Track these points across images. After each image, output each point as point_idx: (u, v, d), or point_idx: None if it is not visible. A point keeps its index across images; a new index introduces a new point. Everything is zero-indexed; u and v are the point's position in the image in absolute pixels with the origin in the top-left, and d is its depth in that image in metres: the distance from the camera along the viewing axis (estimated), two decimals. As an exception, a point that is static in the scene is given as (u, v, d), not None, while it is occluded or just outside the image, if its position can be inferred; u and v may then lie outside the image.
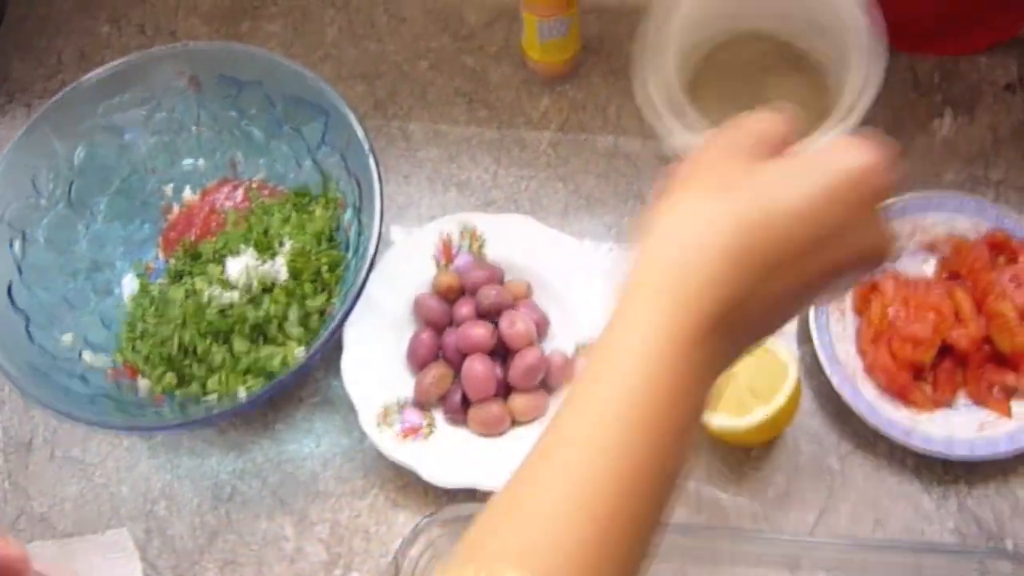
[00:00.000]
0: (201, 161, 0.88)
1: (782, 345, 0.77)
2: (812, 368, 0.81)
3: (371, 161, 0.76)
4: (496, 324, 0.80)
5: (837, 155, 0.44)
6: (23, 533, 0.81)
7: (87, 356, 0.81)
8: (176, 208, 0.89)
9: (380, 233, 0.75)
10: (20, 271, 0.80)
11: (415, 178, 0.91)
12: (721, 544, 0.74)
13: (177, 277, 0.84)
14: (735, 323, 0.43)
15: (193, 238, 0.86)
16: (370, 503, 0.80)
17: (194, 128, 0.87)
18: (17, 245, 0.80)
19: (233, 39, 0.98)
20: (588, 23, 0.93)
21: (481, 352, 0.80)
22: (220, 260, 0.82)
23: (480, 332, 0.79)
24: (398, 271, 0.83)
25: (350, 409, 0.82)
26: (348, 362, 0.80)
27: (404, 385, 0.81)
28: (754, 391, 0.76)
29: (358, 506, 0.80)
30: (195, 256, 0.84)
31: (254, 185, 0.88)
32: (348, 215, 0.82)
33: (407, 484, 0.80)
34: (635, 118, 0.91)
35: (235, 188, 0.88)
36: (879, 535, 0.77)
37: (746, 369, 0.77)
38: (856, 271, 0.46)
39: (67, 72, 0.98)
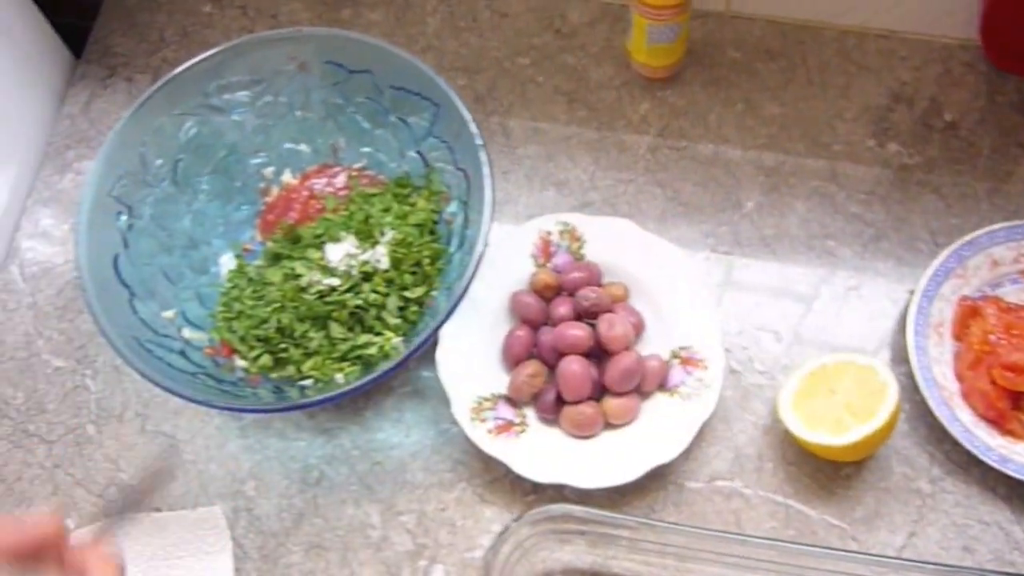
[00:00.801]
0: (303, 145, 0.89)
1: (882, 365, 0.77)
2: (907, 389, 0.80)
3: (483, 156, 0.76)
4: (594, 326, 0.80)
5: None
6: (113, 504, 0.82)
7: (186, 332, 0.81)
8: (275, 191, 0.89)
9: (489, 229, 0.74)
10: (126, 245, 0.80)
11: (513, 175, 0.91)
12: (807, 560, 0.74)
13: (275, 259, 0.85)
14: None
15: (292, 222, 0.87)
16: (457, 496, 0.80)
17: (299, 112, 0.87)
18: (124, 219, 0.81)
19: (334, 25, 0.98)
20: (692, 28, 0.93)
21: (578, 353, 0.80)
22: (320, 245, 0.82)
23: (578, 333, 0.79)
24: (496, 267, 0.83)
25: (440, 401, 0.82)
26: (443, 355, 0.81)
27: (497, 381, 0.82)
28: (852, 409, 0.76)
29: (445, 499, 0.80)
30: (295, 240, 0.85)
31: (354, 172, 0.88)
32: (452, 208, 0.82)
33: (495, 479, 0.81)
34: (735, 128, 0.91)
35: (335, 174, 0.88)
36: (968, 563, 0.77)
37: (845, 386, 0.77)
38: None
39: (169, 49, 0.99)
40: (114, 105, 0.97)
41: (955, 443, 0.78)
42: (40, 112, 0.97)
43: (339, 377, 0.79)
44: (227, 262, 0.87)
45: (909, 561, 0.73)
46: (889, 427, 0.76)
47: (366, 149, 0.88)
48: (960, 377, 0.80)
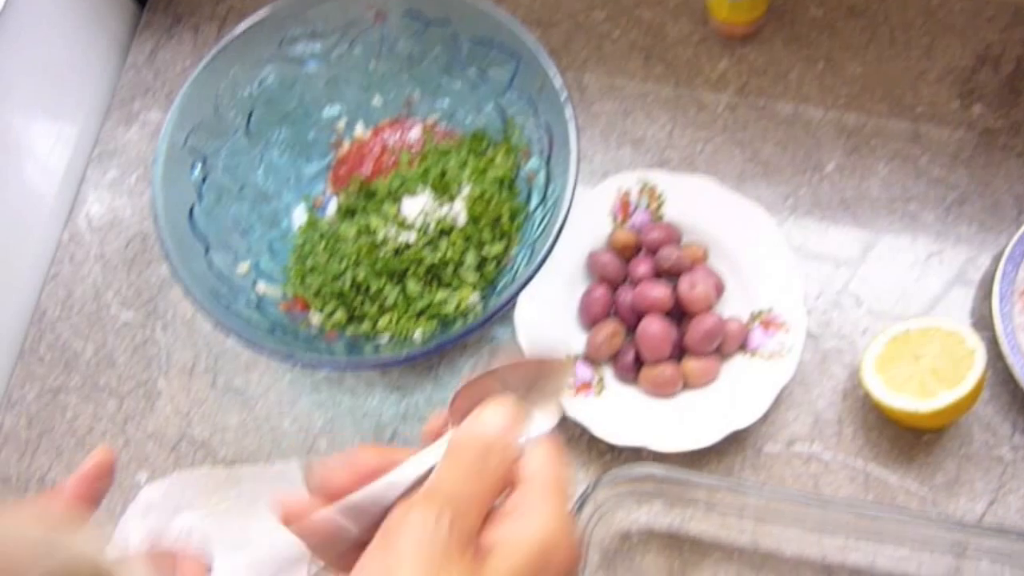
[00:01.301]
0: (376, 98, 0.87)
1: (969, 331, 0.76)
2: (990, 356, 0.79)
3: (568, 111, 0.75)
4: (675, 285, 0.79)
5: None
6: (184, 458, 0.82)
7: (261, 286, 0.80)
8: (347, 144, 0.88)
9: (575, 187, 0.73)
10: (200, 196, 0.79)
11: (589, 132, 0.89)
12: (886, 524, 0.73)
13: (348, 214, 0.84)
14: None
15: (365, 176, 0.85)
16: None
17: (373, 63, 0.86)
18: (199, 170, 0.80)
19: (403, -24, 0.96)
20: (772, -15, 0.91)
21: (659, 313, 0.78)
22: (396, 200, 0.81)
23: (660, 293, 0.78)
24: (573, 225, 0.81)
25: (515, 360, 0.81)
26: (521, 314, 0.80)
27: (575, 340, 0.81)
28: (938, 375, 0.75)
29: (520, 458, 0.79)
30: (369, 194, 0.83)
31: (429, 126, 0.87)
32: (533, 164, 0.80)
33: (571, 440, 0.80)
34: (816, 87, 0.89)
35: (409, 127, 0.87)
36: (1050, 531, 0.76)
37: (931, 352, 0.76)
38: None
39: (235, -2, 0.98)
40: (179, 55, 0.95)
41: (1040, 411, 0.77)
42: (105, 63, 0.95)
43: (416, 334, 0.78)
44: (298, 216, 0.86)
45: (989, 528, 0.72)
46: (975, 394, 0.74)
47: (441, 102, 0.86)
48: (1046, 344, 0.79)
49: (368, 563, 0.39)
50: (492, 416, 0.42)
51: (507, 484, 0.41)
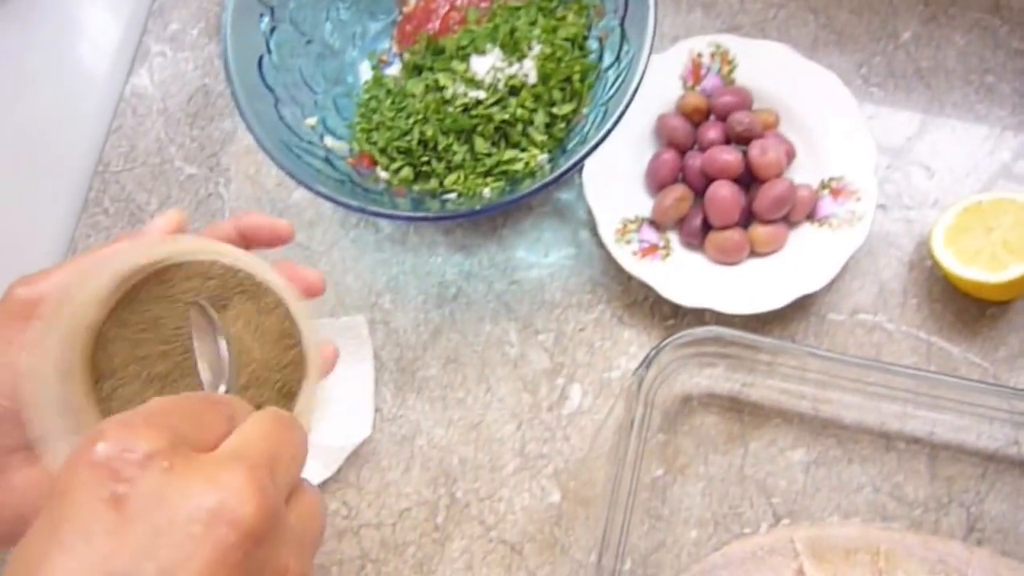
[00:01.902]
0: (445, -47, 0.85)
1: (1043, 202, 0.75)
2: (1060, 231, 0.78)
3: (646, -33, 0.73)
4: (745, 151, 0.78)
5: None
6: (250, 310, 0.82)
7: (328, 141, 0.80)
8: (412, 1, 0.86)
9: (651, 49, 0.72)
10: (269, 49, 0.78)
11: (659, -7, 0.87)
12: (947, 391, 0.73)
13: (415, 71, 0.83)
14: None
15: (432, 33, 0.84)
16: (596, 317, 0.80)
17: (442, -83, 0.84)
18: (266, 21, 0.78)
19: None
20: None
21: (728, 178, 0.78)
22: (465, 57, 0.80)
23: (730, 157, 0.77)
24: (643, 88, 0.80)
25: (579, 223, 0.81)
26: (589, 176, 0.79)
27: (641, 204, 0.80)
28: (1009, 247, 0.75)
29: (583, 319, 0.80)
30: (437, 51, 0.82)
31: (498, -17, 0.85)
32: (606, 22, 0.79)
33: (634, 302, 0.80)
34: (895, -47, 0.86)
35: (478, -16, 0.85)
36: (1112, 405, 0.76)
37: (1003, 224, 0.75)
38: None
39: None
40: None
41: (1108, 287, 0.77)
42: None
43: (485, 192, 0.77)
44: (364, 72, 0.85)
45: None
46: (1047, 266, 0.74)
47: (511, -42, 0.84)
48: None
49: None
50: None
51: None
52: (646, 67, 0.72)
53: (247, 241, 0.55)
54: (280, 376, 0.49)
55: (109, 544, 0.32)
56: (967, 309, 0.79)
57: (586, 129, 0.76)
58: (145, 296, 0.48)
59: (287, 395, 0.49)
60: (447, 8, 0.85)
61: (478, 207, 0.73)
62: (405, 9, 0.86)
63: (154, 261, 0.48)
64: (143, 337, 0.48)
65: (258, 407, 0.41)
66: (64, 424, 0.43)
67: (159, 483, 0.33)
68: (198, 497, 0.33)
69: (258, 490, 0.34)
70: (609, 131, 0.71)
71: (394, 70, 0.84)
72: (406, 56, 0.84)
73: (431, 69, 0.81)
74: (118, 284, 0.47)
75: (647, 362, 0.72)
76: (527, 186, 0.74)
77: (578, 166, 0.72)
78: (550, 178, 0.71)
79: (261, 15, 0.78)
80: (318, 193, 0.72)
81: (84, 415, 0.46)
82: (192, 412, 0.38)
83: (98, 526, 0.33)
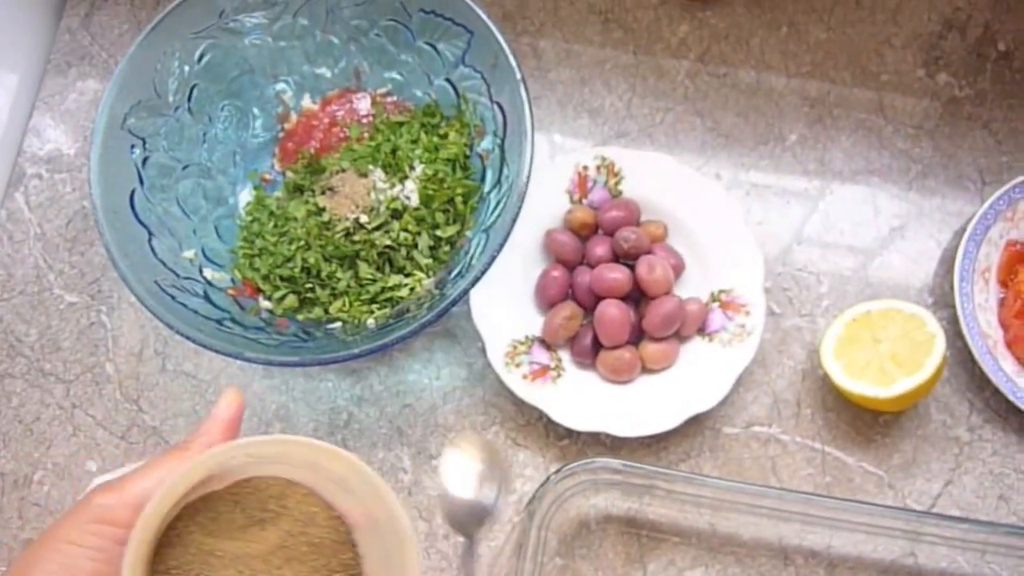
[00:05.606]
0: (324, 69, 0.83)
1: (929, 315, 0.75)
2: (949, 335, 0.78)
3: (523, 92, 0.72)
4: (632, 267, 0.78)
5: None
6: (135, 445, 0.80)
7: (208, 272, 0.78)
8: (294, 117, 0.84)
9: (531, 170, 0.71)
10: (142, 180, 0.76)
11: (545, 101, 0.86)
12: (840, 514, 0.73)
13: (296, 191, 0.81)
14: None
15: (313, 150, 0.82)
16: (489, 440, 0.79)
17: (319, 34, 0.82)
18: (138, 152, 0.76)
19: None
20: (735, -57, 0.88)
21: (617, 296, 0.77)
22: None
23: (618, 276, 0.77)
24: (528, 203, 0.79)
25: (470, 342, 0.80)
26: (477, 296, 0.78)
27: (531, 322, 0.79)
28: (897, 360, 0.75)
29: (477, 442, 0.79)
30: (317, 171, 0.80)
31: (379, 96, 0.83)
32: (486, 143, 0.78)
33: (527, 423, 0.79)
34: (779, 53, 0.86)
35: (358, 100, 0.83)
36: (1002, 512, 0.77)
37: (890, 335, 0.75)
38: None
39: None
40: (116, 19, 0.91)
41: (996, 391, 0.77)
42: (37, 24, 0.90)
43: (370, 321, 0.76)
44: (245, 194, 0.83)
45: (941, 516, 0.72)
46: (934, 380, 0.74)
47: (391, 75, 0.83)
48: (1005, 325, 0.79)
49: None
50: None
51: None
52: (525, 192, 0.71)
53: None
54: None
55: None
56: (860, 417, 0.79)
57: (470, 252, 0.75)
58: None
59: None
60: (329, 123, 0.83)
61: (363, 343, 0.71)
62: (286, 125, 0.84)
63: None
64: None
65: None
66: None
67: None
68: None
69: None
70: (490, 262, 0.70)
71: (279, 190, 0.83)
72: (288, 175, 0.82)
73: (311, 191, 0.80)
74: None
75: (539, 495, 0.71)
76: (413, 312, 0.73)
77: (462, 297, 0.70)
78: (434, 313, 0.69)
79: (132, 147, 0.76)
80: (192, 340, 0.70)
81: None
82: None
83: None
